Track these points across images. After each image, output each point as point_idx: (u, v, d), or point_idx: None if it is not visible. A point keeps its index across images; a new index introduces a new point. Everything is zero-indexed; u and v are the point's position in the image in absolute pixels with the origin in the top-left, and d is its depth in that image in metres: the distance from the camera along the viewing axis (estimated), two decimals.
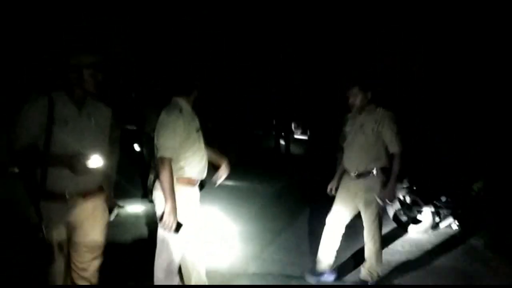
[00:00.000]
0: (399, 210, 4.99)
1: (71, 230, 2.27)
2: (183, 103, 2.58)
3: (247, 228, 4.94)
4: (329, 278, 3.50)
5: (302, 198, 6.82)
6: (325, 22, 11.41)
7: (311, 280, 3.47)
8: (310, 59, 12.74)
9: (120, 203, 5.09)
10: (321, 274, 3.48)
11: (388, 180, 3.22)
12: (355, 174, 3.30)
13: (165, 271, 2.52)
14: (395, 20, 9.80)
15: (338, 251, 3.48)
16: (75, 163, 2.09)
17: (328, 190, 3.57)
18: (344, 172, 3.48)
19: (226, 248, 4.22)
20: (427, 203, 4.87)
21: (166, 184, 2.39)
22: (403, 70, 9.91)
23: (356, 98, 3.28)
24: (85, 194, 2.27)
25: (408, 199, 4.97)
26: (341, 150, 3.55)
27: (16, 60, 6.35)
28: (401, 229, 4.95)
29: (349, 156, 3.38)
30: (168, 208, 2.38)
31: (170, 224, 2.38)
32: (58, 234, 2.21)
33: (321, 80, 12.73)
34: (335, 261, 3.50)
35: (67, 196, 2.19)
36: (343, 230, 3.46)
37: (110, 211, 2.50)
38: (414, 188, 4.93)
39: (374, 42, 10.49)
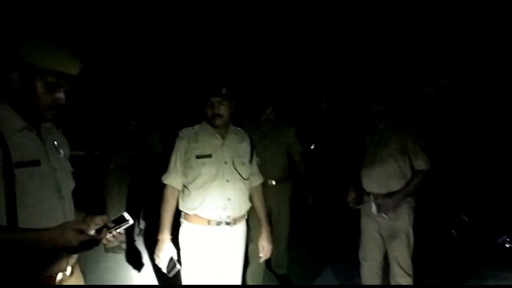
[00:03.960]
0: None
1: None
2: (203, 124, 2.30)
3: None
4: None
5: None
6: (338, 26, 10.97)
7: None
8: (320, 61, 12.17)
9: None
10: None
11: (416, 203, 2.70)
12: (375, 196, 2.67)
13: None
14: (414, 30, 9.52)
15: None
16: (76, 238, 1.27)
17: (350, 202, 2.86)
18: (364, 194, 2.82)
19: None
20: None
21: (161, 215, 2.20)
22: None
23: (377, 106, 2.71)
24: (73, 267, 1.47)
25: None
26: (354, 165, 2.94)
27: None
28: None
29: (367, 174, 2.73)
30: (157, 244, 2.16)
31: (158, 263, 2.15)
32: None
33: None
34: None
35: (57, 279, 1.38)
36: (381, 267, 2.84)
37: None
38: None
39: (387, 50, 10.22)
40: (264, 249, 2.37)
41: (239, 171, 2.24)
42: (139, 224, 4.72)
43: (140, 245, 4.40)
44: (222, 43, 10.28)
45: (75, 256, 1.46)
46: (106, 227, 1.35)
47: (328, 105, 13.08)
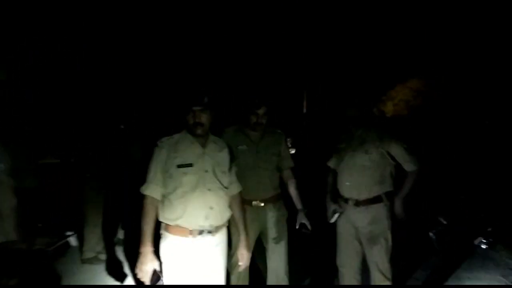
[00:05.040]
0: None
1: None
2: (183, 132, 2.28)
3: None
4: None
5: None
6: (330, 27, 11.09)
7: None
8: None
9: None
10: None
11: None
12: (354, 202, 2.68)
13: None
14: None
15: None
16: None
17: (330, 216, 2.83)
18: (339, 200, 2.82)
19: None
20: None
21: (142, 228, 2.12)
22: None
23: (356, 110, 2.71)
24: None
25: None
26: (331, 172, 2.94)
27: None
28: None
29: (346, 180, 2.73)
30: (139, 257, 2.08)
31: (140, 277, 2.07)
32: None
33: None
34: None
35: None
36: (360, 273, 2.84)
37: None
38: None
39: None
40: (244, 257, 2.38)
41: (220, 179, 2.24)
42: (117, 234, 4.62)
43: (119, 255, 4.29)
44: (206, 45, 10.25)
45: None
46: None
47: (308, 110, 13.16)
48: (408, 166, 2.67)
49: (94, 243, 4.15)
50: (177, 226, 2.14)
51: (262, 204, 2.73)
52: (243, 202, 2.49)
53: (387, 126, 2.84)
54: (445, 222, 4.33)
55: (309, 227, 2.77)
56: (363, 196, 2.67)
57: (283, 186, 2.93)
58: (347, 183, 2.72)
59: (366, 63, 11.41)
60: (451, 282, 3.56)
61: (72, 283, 3.64)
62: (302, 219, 2.79)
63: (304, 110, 12.95)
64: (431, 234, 4.28)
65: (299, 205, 2.85)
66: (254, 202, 2.72)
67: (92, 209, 4.12)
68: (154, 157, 2.21)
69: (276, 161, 2.85)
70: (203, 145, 2.24)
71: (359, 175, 2.68)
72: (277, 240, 2.78)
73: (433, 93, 11.47)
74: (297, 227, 2.81)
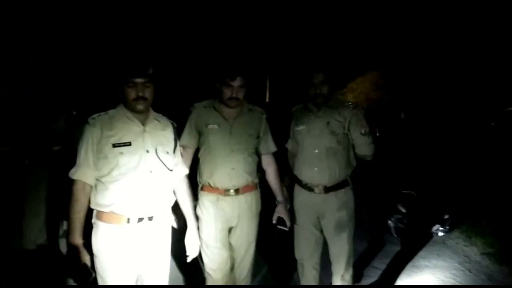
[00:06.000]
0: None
1: None
2: (119, 108, 2.02)
3: None
4: None
5: None
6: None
7: None
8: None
9: None
10: None
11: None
12: (324, 189, 2.49)
13: None
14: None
15: None
16: None
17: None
18: (299, 187, 2.63)
19: None
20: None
21: (70, 217, 1.88)
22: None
23: (323, 88, 2.45)
24: None
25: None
26: (291, 157, 2.73)
27: None
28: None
29: (313, 165, 2.51)
30: (68, 250, 1.87)
31: (70, 271, 1.92)
32: None
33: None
34: None
35: None
36: (319, 264, 2.71)
37: None
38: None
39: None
40: (190, 247, 2.20)
41: (163, 161, 2.01)
42: (62, 225, 4.29)
43: (63, 247, 3.99)
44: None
45: None
46: None
47: (270, 99, 13.08)
48: (362, 149, 2.55)
49: (34, 236, 3.83)
50: (112, 213, 1.90)
51: (235, 194, 2.39)
52: (216, 190, 2.35)
53: (351, 107, 2.65)
54: (403, 210, 4.31)
55: (288, 223, 2.51)
56: (333, 181, 2.49)
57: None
58: (315, 169, 2.50)
59: (329, 55, 11.50)
60: (409, 270, 3.54)
61: (10, 278, 3.35)
62: (280, 213, 2.53)
63: (267, 99, 12.86)
64: (389, 222, 4.26)
65: (279, 197, 2.56)
66: (231, 191, 2.37)
67: (32, 199, 3.80)
68: (85, 136, 1.92)
69: (253, 144, 2.47)
70: (143, 122, 2.00)
71: (328, 159, 2.48)
72: (244, 239, 2.47)
73: (434, 93, 11.80)
74: (273, 221, 2.54)
